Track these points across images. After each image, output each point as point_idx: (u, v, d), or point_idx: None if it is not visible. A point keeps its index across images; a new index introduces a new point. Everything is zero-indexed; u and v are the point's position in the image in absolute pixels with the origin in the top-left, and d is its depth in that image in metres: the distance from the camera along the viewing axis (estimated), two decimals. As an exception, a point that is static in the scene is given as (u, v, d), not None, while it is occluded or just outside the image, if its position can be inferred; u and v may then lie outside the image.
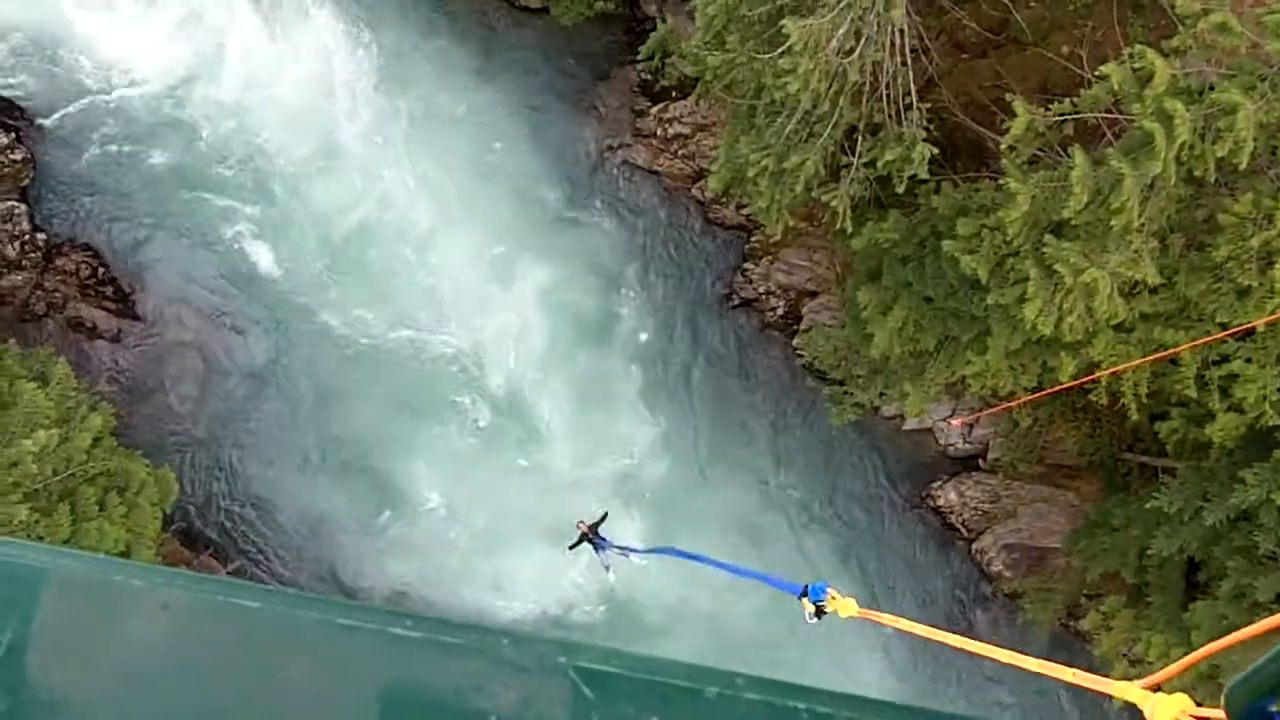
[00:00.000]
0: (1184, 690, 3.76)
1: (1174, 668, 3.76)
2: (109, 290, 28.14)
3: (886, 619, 7.94)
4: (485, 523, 28.45)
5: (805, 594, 9.23)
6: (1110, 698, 4.07)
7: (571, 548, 23.83)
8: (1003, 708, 27.51)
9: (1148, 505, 22.28)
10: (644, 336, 29.11)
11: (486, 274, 28.72)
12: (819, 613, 9.17)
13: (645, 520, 28.32)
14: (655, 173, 29.39)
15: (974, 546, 28.16)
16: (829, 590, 9.06)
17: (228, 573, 26.92)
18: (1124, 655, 24.90)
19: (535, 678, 1.15)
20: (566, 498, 28.04)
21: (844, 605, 8.80)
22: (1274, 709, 2.88)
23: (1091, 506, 26.28)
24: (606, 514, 23.92)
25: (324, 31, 29.37)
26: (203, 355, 28.25)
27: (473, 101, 29.50)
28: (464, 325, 28.77)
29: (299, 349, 28.44)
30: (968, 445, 28.09)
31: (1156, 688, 3.75)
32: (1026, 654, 5.45)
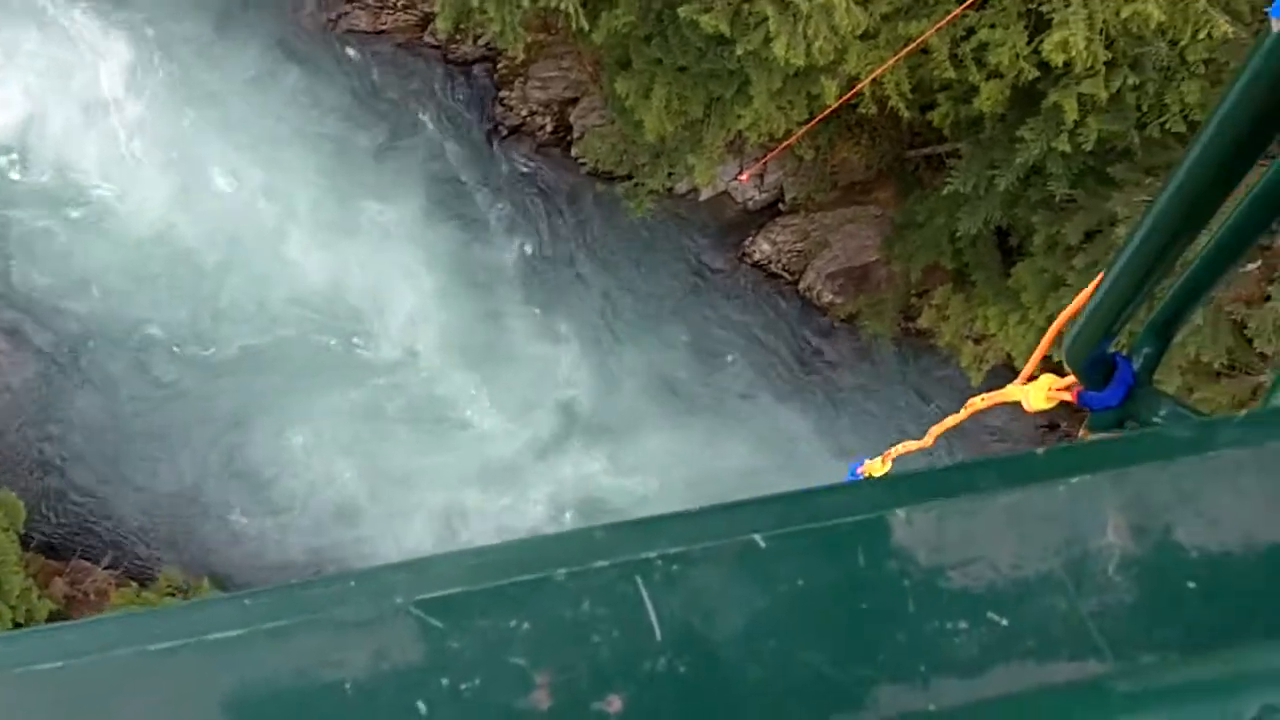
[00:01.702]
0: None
1: (1032, 360, 4.04)
2: None
3: (899, 449, 8.23)
4: (393, 483, 27.88)
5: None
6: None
7: None
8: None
9: (944, 193, 22.94)
10: (451, 221, 28.42)
11: (285, 228, 27.70)
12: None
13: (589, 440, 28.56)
14: (382, 33, 28.55)
15: (800, 286, 28.71)
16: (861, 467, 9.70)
17: (104, 568, 26.50)
18: (967, 337, 25.83)
19: (379, 628, 1.08)
20: (489, 443, 28.11)
21: (874, 467, 9.39)
22: (1110, 350, 3.14)
23: (894, 211, 26.95)
24: None
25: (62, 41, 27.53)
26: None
27: (210, 68, 28.02)
28: (304, 296, 27.76)
29: (118, 342, 27.24)
30: (764, 195, 28.45)
31: (1029, 381, 4.04)
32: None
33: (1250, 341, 20.44)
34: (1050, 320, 21.19)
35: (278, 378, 27.71)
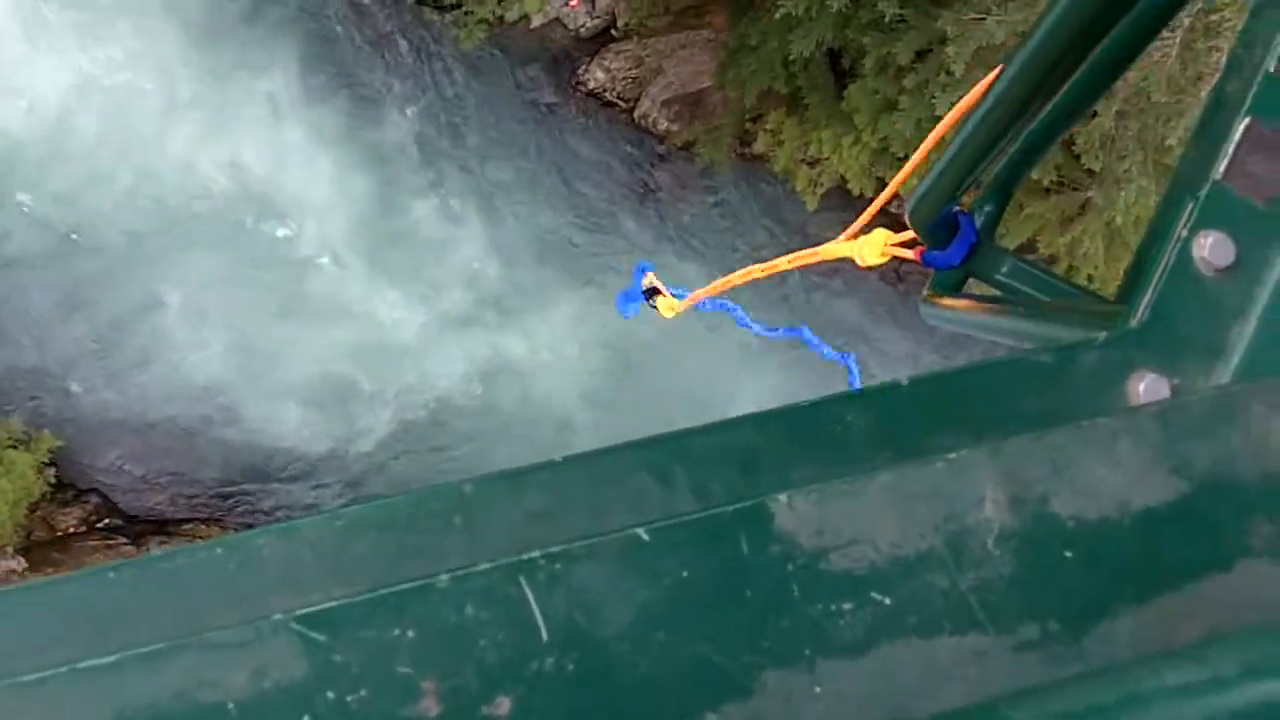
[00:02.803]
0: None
1: (865, 215, 3.94)
2: None
3: (702, 293, 7.63)
4: (269, 360, 26.74)
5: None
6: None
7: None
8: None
9: (777, 16, 22.84)
10: (330, 84, 27.33)
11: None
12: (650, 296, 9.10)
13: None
14: None
15: (636, 114, 28.56)
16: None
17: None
18: (801, 161, 26.06)
19: (259, 647, 1.05)
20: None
21: (667, 305, 8.62)
22: (956, 210, 3.15)
23: (728, 35, 26.81)
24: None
25: None
26: None
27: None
28: (185, 176, 26.23)
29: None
30: (596, 20, 28.05)
31: (857, 238, 3.95)
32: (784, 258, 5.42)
33: (1078, 158, 20.96)
34: (882, 143, 21.31)
35: (152, 249, 26.26)
